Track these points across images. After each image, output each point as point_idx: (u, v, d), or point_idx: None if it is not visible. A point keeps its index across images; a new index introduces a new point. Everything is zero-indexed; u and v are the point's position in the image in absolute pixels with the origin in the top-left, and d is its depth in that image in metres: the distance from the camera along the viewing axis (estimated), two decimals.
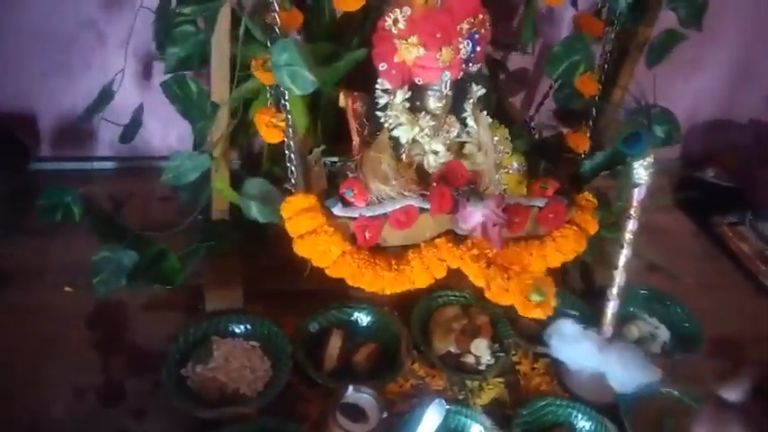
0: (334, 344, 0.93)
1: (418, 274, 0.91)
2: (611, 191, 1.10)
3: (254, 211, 0.89)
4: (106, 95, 0.98)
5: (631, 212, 0.89)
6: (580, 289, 1.13)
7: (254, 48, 0.86)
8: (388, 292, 0.90)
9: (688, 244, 1.39)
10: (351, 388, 0.82)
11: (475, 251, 0.91)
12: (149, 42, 1.03)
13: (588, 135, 1.07)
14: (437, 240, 0.92)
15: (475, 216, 0.88)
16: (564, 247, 0.98)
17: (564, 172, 1.07)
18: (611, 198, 1.09)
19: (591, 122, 1.07)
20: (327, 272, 0.87)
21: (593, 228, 1.00)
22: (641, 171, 0.86)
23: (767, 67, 1.49)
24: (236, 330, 0.93)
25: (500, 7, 1.15)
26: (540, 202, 0.97)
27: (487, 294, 0.91)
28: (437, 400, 0.79)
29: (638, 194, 0.88)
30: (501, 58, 1.23)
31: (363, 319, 1.00)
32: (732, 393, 0.43)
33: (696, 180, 1.50)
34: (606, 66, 1.06)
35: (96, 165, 1.25)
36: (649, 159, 0.86)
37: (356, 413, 0.80)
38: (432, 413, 0.78)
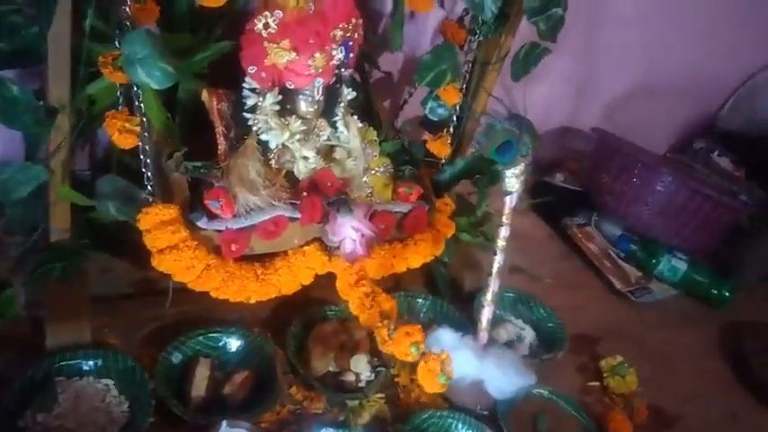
0: (202, 374, 0.85)
1: (285, 282, 0.89)
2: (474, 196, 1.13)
3: (113, 211, 0.82)
4: None
5: (503, 219, 0.91)
6: (448, 295, 1.14)
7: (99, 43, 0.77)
8: (253, 301, 0.87)
9: (544, 245, 1.47)
10: (224, 424, 0.74)
11: (352, 278, 0.90)
12: None
13: (449, 142, 1.09)
14: (306, 248, 0.90)
15: (344, 228, 0.88)
16: (424, 250, 1.01)
17: (426, 176, 1.09)
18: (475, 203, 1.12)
19: (452, 130, 1.09)
20: (189, 285, 0.82)
21: (450, 231, 1.04)
22: (513, 180, 0.88)
23: (605, 80, 1.62)
24: (85, 368, 0.81)
25: (367, 11, 1.12)
26: (404, 208, 0.99)
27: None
28: (323, 430, 0.74)
29: (509, 202, 0.90)
30: (371, 58, 1.20)
31: (233, 344, 0.92)
32: None
33: (547, 184, 1.59)
34: (467, 75, 1.08)
35: None
36: (520, 168, 0.87)
37: None
38: None
